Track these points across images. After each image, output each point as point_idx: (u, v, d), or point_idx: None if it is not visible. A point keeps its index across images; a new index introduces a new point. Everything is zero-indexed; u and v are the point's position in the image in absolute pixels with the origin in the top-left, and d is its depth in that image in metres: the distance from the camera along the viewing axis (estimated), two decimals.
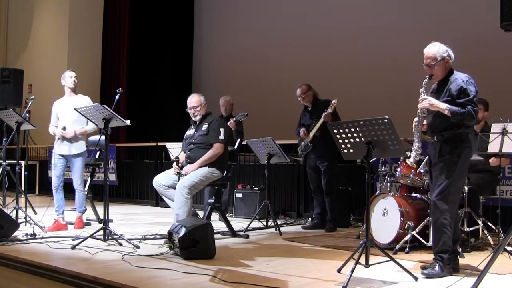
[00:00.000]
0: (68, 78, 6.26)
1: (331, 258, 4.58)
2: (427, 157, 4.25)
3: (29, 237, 5.30)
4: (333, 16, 10.05)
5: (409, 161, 4.39)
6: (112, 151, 9.53)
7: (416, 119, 4.04)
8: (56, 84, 12.25)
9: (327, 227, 6.37)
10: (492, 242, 4.94)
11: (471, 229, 4.87)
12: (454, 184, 3.93)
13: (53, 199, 6.18)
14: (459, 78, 3.96)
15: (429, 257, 4.42)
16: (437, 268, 3.87)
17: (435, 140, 4.00)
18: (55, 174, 6.12)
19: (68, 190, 6.33)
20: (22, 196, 7.40)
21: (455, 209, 4.00)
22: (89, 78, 12.06)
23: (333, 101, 6.21)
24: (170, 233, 4.74)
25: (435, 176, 3.96)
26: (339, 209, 6.60)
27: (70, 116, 6.04)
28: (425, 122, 4.05)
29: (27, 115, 7.08)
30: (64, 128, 6.08)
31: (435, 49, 4.01)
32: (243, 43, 11.54)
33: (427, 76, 4.03)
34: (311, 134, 6.44)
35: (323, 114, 6.21)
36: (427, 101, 3.91)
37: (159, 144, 9.32)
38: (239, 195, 7.76)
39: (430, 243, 4.77)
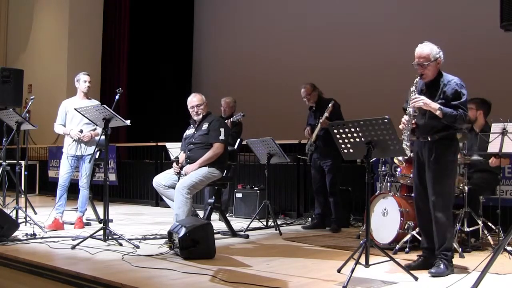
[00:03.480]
0: (83, 82, 6.33)
1: (331, 258, 4.58)
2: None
3: (29, 237, 5.30)
4: (334, 16, 10.05)
5: (397, 159, 4.43)
6: (112, 151, 9.53)
7: (406, 117, 4.03)
8: (56, 84, 12.42)
9: (332, 227, 6.34)
10: (492, 242, 4.94)
11: (471, 229, 4.87)
12: (452, 182, 4.08)
13: (55, 197, 6.21)
14: (453, 81, 4.00)
15: None
16: (442, 266, 3.91)
17: (428, 139, 4.00)
18: (64, 173, 6.17)
19: (71, 191, 6.35)
20: (22, 196, 7.39)
21: (452, 207, 4.11)
22: None
23: (329, 105, 6.23)
24: (170, 233, 4.74)
25: (433, 176, 3.97)
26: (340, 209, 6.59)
27: (82, 118, 6.05)
28: (413, 121, 4.05)
29: (27, 115, 7.08)
30: (81, 131, 6.15)
31: (428, 49, 4.02)
32: (243, 43, 11.54)
33: (418, 75, 4.03)
34: (314, 135, 6.43)
35: (320, 121, 6.25)
36: (421, 100, 3.92)
37: (159, 144, 9.32)
38: (239, 195, 7.76)
39: None
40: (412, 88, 4.02)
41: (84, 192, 6.26)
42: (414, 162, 4.19)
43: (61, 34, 12.75)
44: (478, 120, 5.35)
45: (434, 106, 3.89)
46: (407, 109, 4.02)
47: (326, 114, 6.20)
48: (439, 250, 3.96)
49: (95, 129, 6.15)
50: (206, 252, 4.47)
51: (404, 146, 4.02)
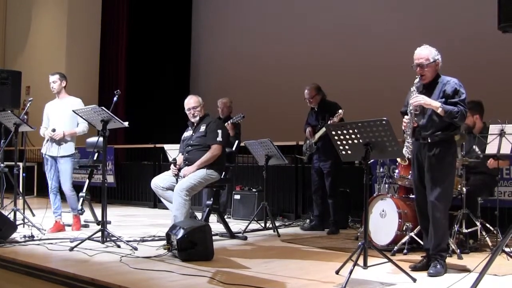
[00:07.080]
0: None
1: (330, 259, 4.58)
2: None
3: (27, 239, 5.29)
4: (332, 17, 10.05)
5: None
6: (110, 153, 9.52)
7: (408, 116, 4.06)
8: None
9: (330, 229, 6.32)
10: (490, 244, 4.94)
11: (469, 230, 4.88)
12: (451, 184, 4.14)
13: (50, 201, 6.19)
14: (452, 80, 4.07)
15: None
16: (439, 266, 3.96)
17: (429, 140, 4.04)
18: (49, 176, 6.14)
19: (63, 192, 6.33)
20: (20, 198, 7.37)
21: (448, 208, 4.16)
22: (87, 80, 12.04)
23: (339, 111, 6.08)
24: (168, 235, 4.74)
25: (432, 177, 4.01)
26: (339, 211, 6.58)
27: (61, 118, 6.04)
28: (415, 119, 4.07)
29: (25, 116, 7.10)
30: (53, 130, 6.07)
31: (427, 50, 4.10)
32: (241, 45, 11.53)
33: (418, 76, 4.08)
34: (316, 136, 6.39)
35: (328, 123, 6.07)
36: (421, 98, 3.97)
37: (157, 145, 9.31)
38: (237, 196, 7.76)
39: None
40: (413, 88, 4.07)
41: (68, 194, 6.11)
42: (413, 164, 4.22)
43: (60, 35, 12.73)
44: (477, 124, 5.36)
45: (435, 104, 3.94)
46: (409, 108, 4.05)
47: (335, 120, 6.01)
48: (436, 250, 4.00)
49: (73, 129, 6.06)
50: (204, 253, 4.46)
51: (405, 148, 4.05)
